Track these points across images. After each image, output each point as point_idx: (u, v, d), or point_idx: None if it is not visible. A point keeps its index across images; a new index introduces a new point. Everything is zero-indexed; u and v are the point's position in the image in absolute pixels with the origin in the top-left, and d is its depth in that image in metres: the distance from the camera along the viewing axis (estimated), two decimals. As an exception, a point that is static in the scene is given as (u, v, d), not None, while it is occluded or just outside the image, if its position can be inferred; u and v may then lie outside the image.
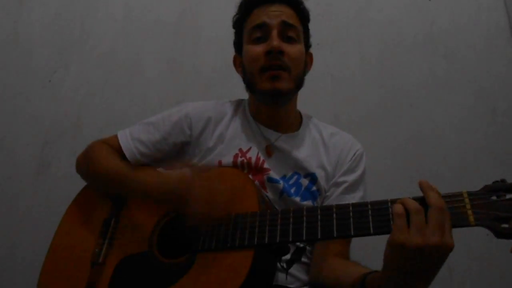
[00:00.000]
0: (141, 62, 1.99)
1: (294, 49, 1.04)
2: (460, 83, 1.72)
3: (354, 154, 1.10)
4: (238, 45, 1.15)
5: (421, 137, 1.67)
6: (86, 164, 1.09)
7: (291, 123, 1.14)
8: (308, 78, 1.79)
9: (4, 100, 1.97)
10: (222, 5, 1.96)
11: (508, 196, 0.68)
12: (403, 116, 1.72)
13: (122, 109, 1.90)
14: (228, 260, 0.80)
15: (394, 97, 1.75)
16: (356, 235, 0.74)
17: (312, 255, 1.04)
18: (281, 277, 0.95)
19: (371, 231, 0.73)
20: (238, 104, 1.18)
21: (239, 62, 1.15)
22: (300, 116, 1.18)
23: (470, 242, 1.50)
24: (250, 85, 1.09)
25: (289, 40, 1.05)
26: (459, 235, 1.56)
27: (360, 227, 0.74)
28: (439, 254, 0.67)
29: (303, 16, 1.11)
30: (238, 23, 1.14)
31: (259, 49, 1.03)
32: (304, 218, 0.79)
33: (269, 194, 1.03)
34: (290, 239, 0.79)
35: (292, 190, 1.03)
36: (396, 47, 1.83)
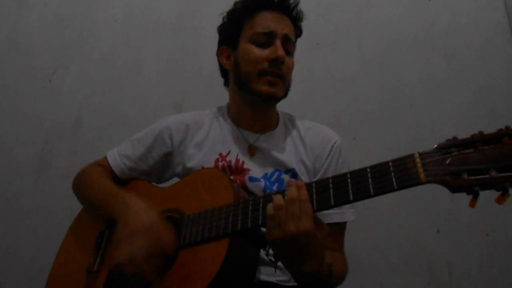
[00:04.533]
0: (141, 62, 2.00)
1: (290, 61, 1.10)
2: (460, 83, 1.72)
3: (332, 147, 1.12)
4: (231, 37, 1.15)
5: (421, 137, 1.67)
6: (79, 187, 1.14)
7: (270, 123, 1.17)
8: (308, 78, 1.80)
9: (4, 100, 1.97)
10: (222, 5, 1.96)
11: (462, 151, 0.69)
12: (403, 116, 1.72)
13: (122, 109, 1.90)
14: (205, 251, 0.84)
15: (394, 97, 1.75)
16: (318, 210, 0.78)
17: None
18: (269, 271, 0.96)
19: (332, 203, 0.76)
20: (215, 111, 1.21)
21: (227, 55, 1.16)
22: (277, 114, 1.20)
23: (470, 242, 1.50)
24: (243, 83, 1.10)
25: (287, 53, 1.09)
26: (458, 235, 1.56)
27: (322, 201, 0.77)
28: (301, 240, 0.74)
29: (299, 33, 1.17)
30: (239, 17, 1.14)
31: (262, 53, 1.06)
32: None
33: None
34: (260, 222, 0.82)
35: (275, 187, 1.06)
36: (396, 47, 1.83)
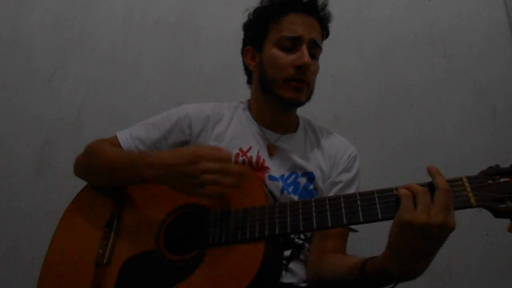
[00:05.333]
0: (141, 62, 1.99)
1: (315, 67, 1.10)
2: (460, 83, 1.72)
3: (349, 156, 1.13)
4: (256, 38, 1.13)
5: (421, 137, 1.67)
6: (89, 159, 1.07)
7: (291, 125, 1.17)
8: (308, 78, 1.80)
9: (4, 100, 1.97)
10: (222, 5, 1.96)
11: (502, 179, 0.74)
12: (403, 116, 1.72)
13: (122, 109, 1.90)
14: (240, 252, 0.81)
15: (394, 97, 1.75)
16: (365, 222, 0.78)
17: (309, 254, 1.05)
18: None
19: (379, 216, 0.76)
20: (236, 106, 1.20)
21: (252, 56, 1.15)
22: (297, 117, 1.21)
23: (470, 242, 1.50)
24: (267, 87, 1.09)
25: (312, 58, 1.08)
26: (458, 235, 1.56)
27: (369, 213, 0.77)
28: (441, 233, 0.71)
29: (326, 35, 1.17)
30: (265, 18, 1.11)
31: (288, 59, 1.05)
32: (313, 209, 0.82)
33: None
34: (301, 229, 0.81)
35: (290, 189, 1.05)
36: (396, 47, 1.83)
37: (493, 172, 0.75)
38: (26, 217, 1.75)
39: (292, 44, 1.06)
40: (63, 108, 1.94)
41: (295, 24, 1.07)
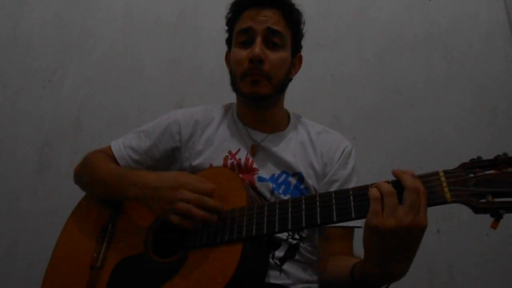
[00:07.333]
0: (141, 62, 1.99)
1: (275, 57, 1.05)
2: (460, 83, 1.72)
3: (343, 152, 1.10)
4: (229, 43, 1.16)
5: (421, 137, 1.67)
6: (84, 171, 1.12)
7: (278, 123, 1.15)
8: (308, 78, 1.80)
9: (4, 100, 1.97)
10: (222, 5, 1.96)
11: (486, 172, 0.69)
12: (403, 116, 1.71)
13: (122, 109, 1.90)
14: (217, 255, 0.82)
15: (394, 97, 1.75)
16: (338, 221, 0.76)
17: (317, 259, 1.05)
18: (274, 274, 0.96)
19: (353, 215, 0.75)
20: (227, 107, 1.20)
21: (228, 59, 1.17)
22: (288, 115, 1.19)
23: (470, 241, 1.50)
24: (234, 86, 1.11)
25: (274, 46, 1.05)
26: (458, 235, 1.56)
27: (342, 213, 0.76)
28: (413, 234, 0.68)
29: (292, 21, 1.10)
30: (230, 23, 1.15)
31: (243, 53, 1.05)
32: (289, 209, 0.81)
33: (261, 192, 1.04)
34: (276, 229, 0.81)
35: (281, 190, 1.04)
36: (396, 47, 1.82)
37: (475, 164, 0.70)
38: (26, 217, 1.75)
39: (246, 37, 1.05)
40: (63, 108, 1.94)
41: (248, 19, 1.07)
